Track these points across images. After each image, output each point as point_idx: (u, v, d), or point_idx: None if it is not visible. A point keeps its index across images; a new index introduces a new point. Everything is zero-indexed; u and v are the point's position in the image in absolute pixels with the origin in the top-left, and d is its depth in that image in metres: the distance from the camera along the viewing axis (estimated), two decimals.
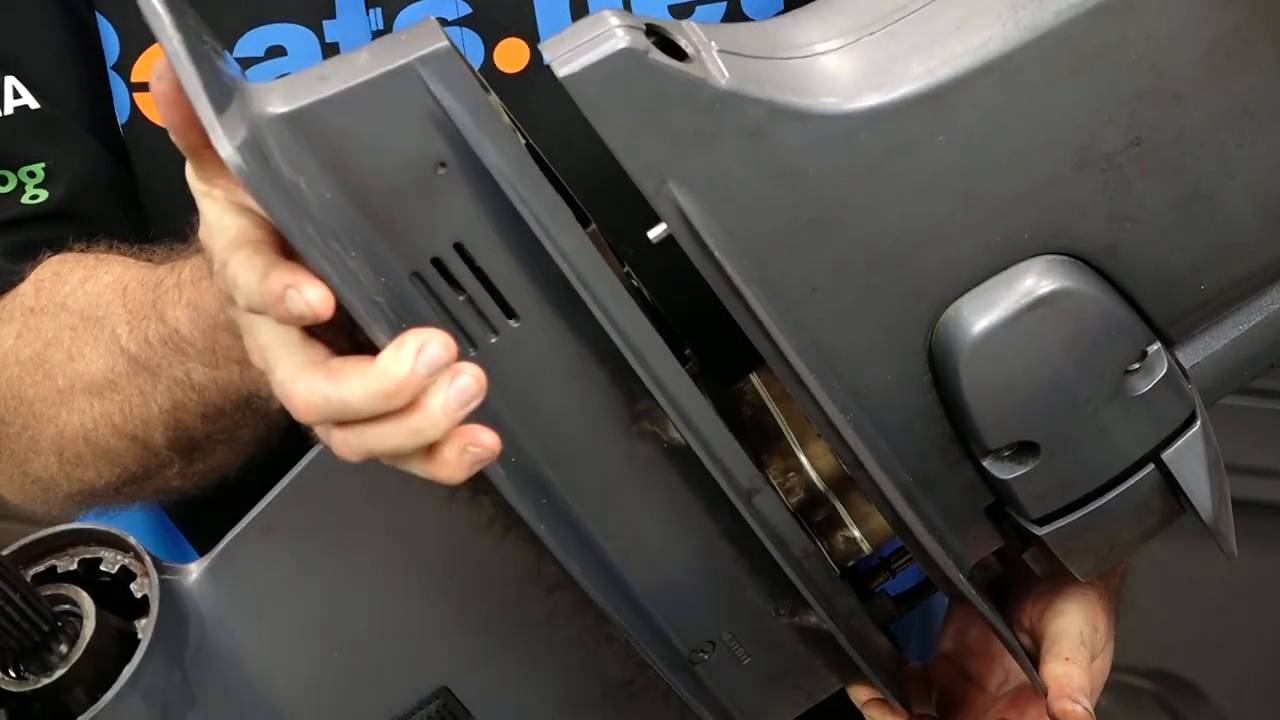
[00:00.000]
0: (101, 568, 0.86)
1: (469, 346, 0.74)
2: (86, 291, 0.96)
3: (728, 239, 0.74)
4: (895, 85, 0.73)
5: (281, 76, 0.70)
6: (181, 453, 0.94)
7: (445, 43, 0.69)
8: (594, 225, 0.80)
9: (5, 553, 0.84)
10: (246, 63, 0.99)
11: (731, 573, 0.84)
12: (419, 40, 0.69)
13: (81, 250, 0.99)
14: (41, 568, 0.86)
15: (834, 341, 0.77)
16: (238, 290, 0.69)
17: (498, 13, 0.98)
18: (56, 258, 0.99)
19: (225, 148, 0.65)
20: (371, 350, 0.68)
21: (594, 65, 0.69)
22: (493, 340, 0.74)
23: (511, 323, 0.74)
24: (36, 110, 1.00)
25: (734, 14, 1.00)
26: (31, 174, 1.01)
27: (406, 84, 0.69)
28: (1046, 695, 0.87)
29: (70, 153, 1.01)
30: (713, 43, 0.72)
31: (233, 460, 0.95)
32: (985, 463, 0.80)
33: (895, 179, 0.74)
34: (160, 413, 0.92)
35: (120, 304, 0.93)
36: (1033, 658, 0.90)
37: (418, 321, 0.72)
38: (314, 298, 0.67)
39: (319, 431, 0.70)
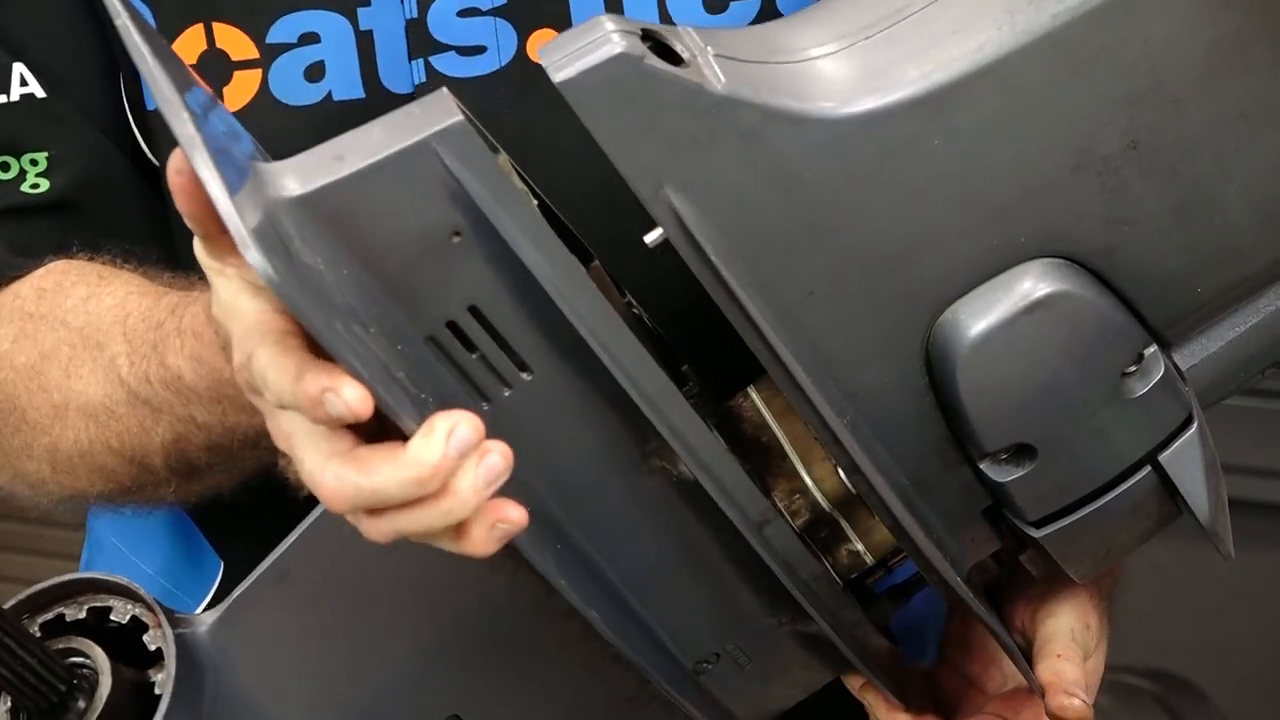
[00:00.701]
0: (112, 618, 0.86)
1: (483, 402, 0.74)
2: (88, 310, 0.95)
3: (724, 243, 0.74)
4: (891, 89, 0.73)
5: (299, 152, 0.70)
6: (180, 475, 0.94)
7: (460, 117, 0.69)
8: (596, 262, 0.80)
9: (11, 603, 0.84)
10: (278, 49, 0.98)
11: (737, 592, 0.84)
12: (433, 115, 0.69)
13: (86, 258, 0.99)
14: (50, 615, 0.86)
15: (831, 345, 0.77)
16: (267, 388, 0.68)
17: (532, 3, 0.98)
18: (60, 265, 0.99)
19: (254, 255, 0.64)
20: (394, 427, 0.68)
21: (589, 70, 0.69)
22: (506, 394, 0.74)
23: (524, 375, 0.74)
24: (43, 99, 1.00)
25: (768, 12, 0.99)
26: (34, 162, 1.00)
27: (422, 160, 0.69)
28: (1043, 695, 0.87)
29: (74, 144, 1.01)
30: (709, 47, 0.72)
31: (232, 482, 0.94)
32: (982, 465, 0.80)
33: (892, 183, 0.74)
34: (162, 444, 0.92)
35: (120, 332, 0.93)
36: (1026, 657, 0.90)
37: (434, 383, 0.72)
38: (353, 399, 0.66)
39: (348, 516, 0.70)
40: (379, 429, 0.69)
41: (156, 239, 1.02)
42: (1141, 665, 2.02)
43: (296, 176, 0.68)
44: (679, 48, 0.72)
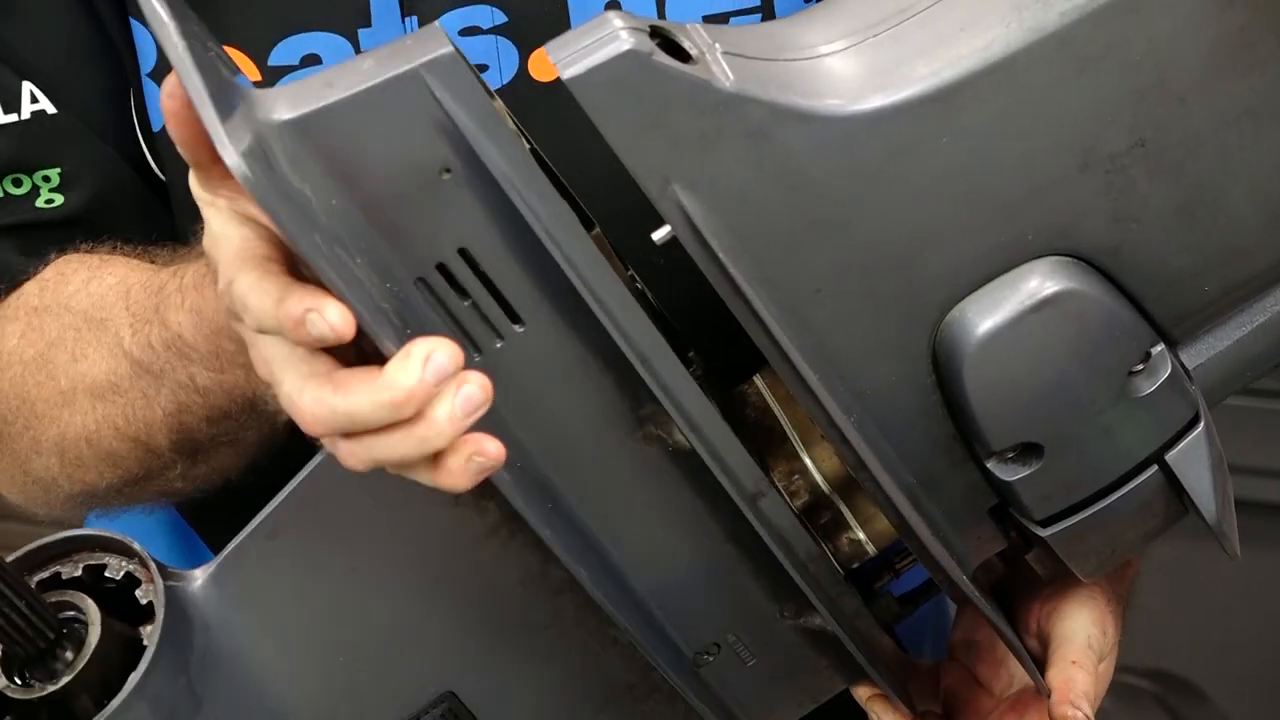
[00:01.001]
0: (106, 574, 0.86)
1: (474, 352, 0.74)
2: (90, 292, 0.96)
3: (731, 240, 0.74)
4: (899, 87, 0.73)
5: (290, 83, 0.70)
6: (185, 455, 0.94)
7: (450, 48, 0.69)
8: (598, 229, 0.80)
9: (10, 559, 0.84)
10: (281, 71, 0.98)
11: (736, 575, 0.84)
12: (424, 46, 0.69)
13: (87, 250, 0.99)
14: (46, 574, 0.86)
15: (838, 342, 0.77)
16: (247, 311, 0.69)
17: (533, 21, 0.98)
18: (62, 258, 0.99)
19: (230, 155, 0.65)
20: (377, 359, 0.68)
21: (598, 68, 0.69)
22: (498, 345, 0.74)
23: (516, 327, 0.74)
24: (54, 115, 1.00)
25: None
26: (46, 178, 1.01)
27: (412, 90, 0.69)
28: (1050, 698, 0.87)
29: (87, 159, 1.01)
30: (716, 44, 0.72)
31: (236, 462, 0.94)
32: (989, 464, 0.80)
33: (899, 180, 0.74)
34: (164, 415, 0.92)
35: (123, 306, 0.93)
36: (1040, 659, 0.90)
37: (424, 327, 0.72)
38: (335, 319, 0.66)
39: (325, 442, 0.70)
40: (359, 360, 0.69)
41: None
42: (1141, 665, 2.02)
43: (287, 101, 0.68)
44: (687, 45, 0.72)
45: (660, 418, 0.78)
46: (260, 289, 0.68)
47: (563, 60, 0.70)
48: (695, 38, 0.72)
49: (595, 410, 0.77)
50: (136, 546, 0.86)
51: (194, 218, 1.02)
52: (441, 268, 0.72)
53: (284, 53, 0.99)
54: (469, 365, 0.67)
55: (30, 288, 0.99)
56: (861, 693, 0.90)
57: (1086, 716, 0.86)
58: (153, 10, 0.67)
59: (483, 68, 0.99)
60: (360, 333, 0.68)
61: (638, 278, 0.84)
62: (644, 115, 0.70)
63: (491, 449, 0.69)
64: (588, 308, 0.73)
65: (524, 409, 0.75)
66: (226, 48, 0.98)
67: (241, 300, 0.69)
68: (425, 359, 0.66)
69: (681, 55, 0.71)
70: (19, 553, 0.85)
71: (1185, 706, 2.06)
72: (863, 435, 0.78)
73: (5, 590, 0.79)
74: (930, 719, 0.92)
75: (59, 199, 1.01)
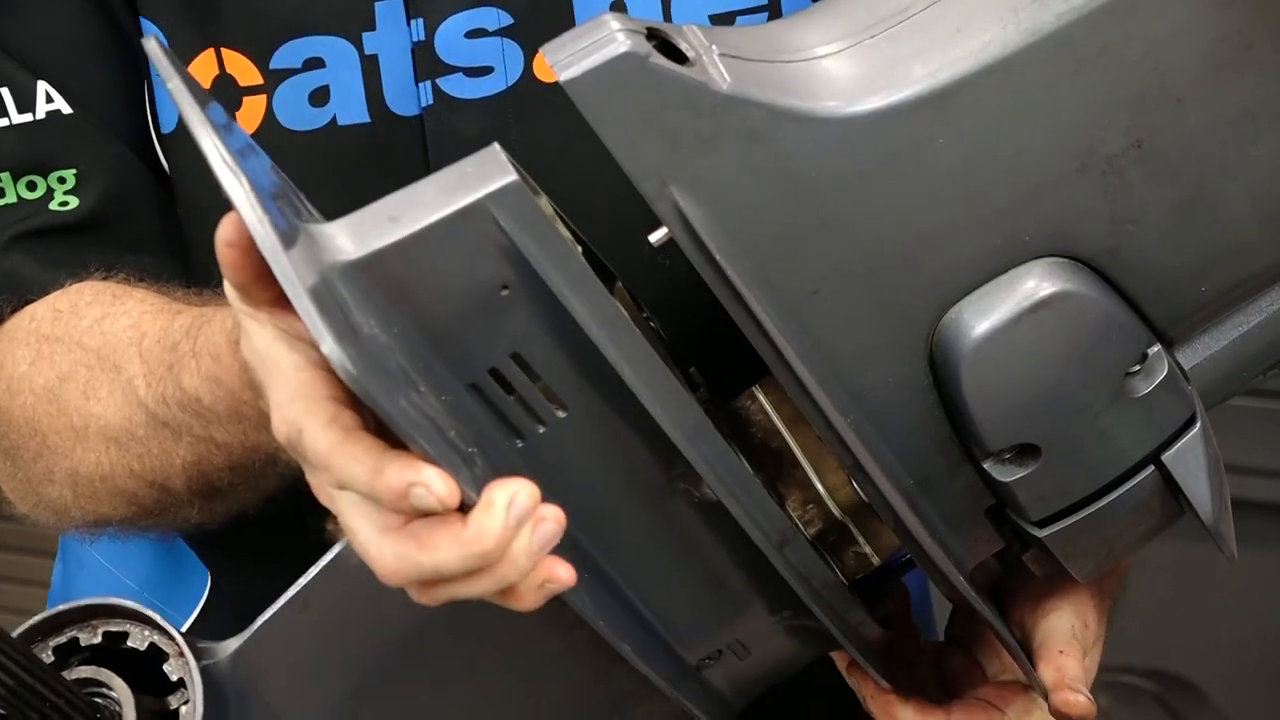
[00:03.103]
0: (129, 644, 0.86)
1: (517, 439, 0.74)
2: (103, 331, 0.95)
3: (728, 242, 0.74)
4: (896, 88, 0.73)
5: (351, 212, 0.69)
6: (202, 497, 0.94)
7: (514, 176, 0.69)
8: (620, 284, 0.80)
9: (25, 626, 0.84)
10: (282, 74, 0.98)
11: (744, 598, 0.84)
12: (487, 174, 0.69)
13: (101, 278, 0.99)
14: (63, 639, 0.86)
15: (835, 344, 0.77)
16: (329, 472, 0.67)
17: (539, 23, 0.98)
18: (75, 287, 0.99)
19: (335, 354, 0.63)
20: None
21: (595, 70, 0.69)
22: (540, 431, 0.75)
23: (559, 413, 0.75)
24: (69, 115, 1.00)
25: None
26: (61, 179, 1.00)
27: (476, 219, 0.69)
28: (1045, 694, 0.87)
29: (102, 159, 1.01)
30: (714, 46, 0.72)
31: (254, 499, 0.94)
32: (986, 465, 0.80)
33: (896, 182, 0.74)
34: (183, 466, 0.92)
35: (136, 353, 0.92)
36: (1026, 653, 0.90)
37: (472, 426, 0.72)
38: (442, 491, 0.65)
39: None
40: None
41: (176, 253, 1.02)
42: (1141, 665, 2.02)
43: (352, 238, 0.68)
44: (684, 46, 0.72)
45: (690, 475, 0.78)
46: (346, 454, 0.67)
47: (559, 62, 0.70)
48: (692, 39, 0.72)
49: (629, 476, 0.78)
50: (159, 619, 0.86)
51: (200, 219, 1.01)
52: (494, 371, 0.73)
53: (286, 56, 0.98)
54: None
55: (42, 314, 0.98)
56: (841, 660, 0.90)
57: (1088, 698, 0.86)
58: (219, 161, 0.66)
59: (488, 70, 0.98)
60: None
61: (652, 316, 0.84)
62: (640, 117, 0.71)
63: (563, 574, 0.69)
64: (627, 388, 0.74)
65: (561, 482, 0.75)
66: (231, 51, 0.98)
67: (321, 461, 0.67)
68: (508, 505, 0.66)
69: (678, 57, 0.71)
70: (35, 619, 0.85)
71: (1185, 706, 2.06)
72: (860, 436, 0.78)
73: (37, 684, 0.78)
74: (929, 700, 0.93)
75: (73, 201, 1.00)
